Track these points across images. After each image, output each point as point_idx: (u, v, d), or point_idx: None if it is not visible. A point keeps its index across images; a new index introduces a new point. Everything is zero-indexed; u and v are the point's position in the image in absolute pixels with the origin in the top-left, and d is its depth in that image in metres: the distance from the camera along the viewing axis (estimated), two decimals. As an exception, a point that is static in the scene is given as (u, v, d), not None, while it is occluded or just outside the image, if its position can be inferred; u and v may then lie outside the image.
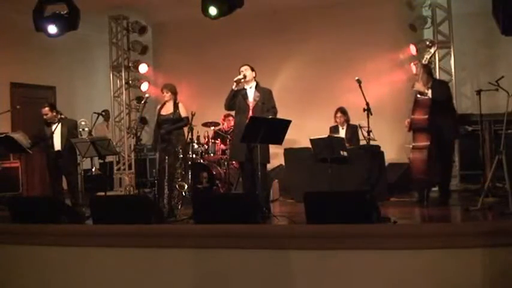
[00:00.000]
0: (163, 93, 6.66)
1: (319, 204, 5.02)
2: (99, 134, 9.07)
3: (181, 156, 6.55)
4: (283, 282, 4.76)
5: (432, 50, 6.98)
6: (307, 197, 5.10)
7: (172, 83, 6.79)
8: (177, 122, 6.55)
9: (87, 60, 10.95)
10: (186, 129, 7.18)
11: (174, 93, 6.65)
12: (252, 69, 6.30)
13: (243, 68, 6.28)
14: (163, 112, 6.60)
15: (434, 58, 8.45)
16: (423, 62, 6.45)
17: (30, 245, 5.45)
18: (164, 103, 6.67)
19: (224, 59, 9.41)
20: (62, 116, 7.17)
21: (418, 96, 6.27)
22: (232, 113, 6.90)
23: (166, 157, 6.43)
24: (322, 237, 4.71)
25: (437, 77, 8.32)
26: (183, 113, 6.59)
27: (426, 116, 6.14)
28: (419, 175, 6.22)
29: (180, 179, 6.52)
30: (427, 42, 8.31)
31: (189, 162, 7.76)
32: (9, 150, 7.90)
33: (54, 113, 7.10)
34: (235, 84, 6.16)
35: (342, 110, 7.99)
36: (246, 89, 6.28)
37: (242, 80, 6.20)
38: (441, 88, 6.41)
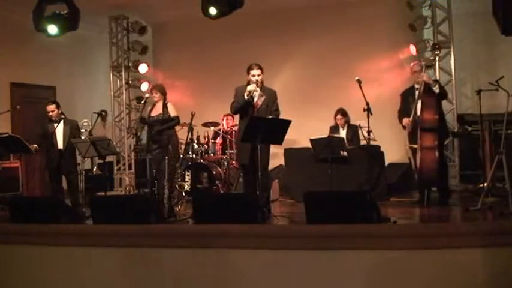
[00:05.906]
0: (152, 94, 6.75)
1: (319, 204, 5.02)
2: (98, 134, 9.05)
3: (178, 156, 6.57)
4: (283, 282, 4.76)
5: (437, 53, 7.03)
6: (307, 197, 5.10)
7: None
8: (167, 122, 6.59)
9: (87, 60, 10.94)
10: (186, 129, 7.20)
11: (164, 93, 6.75)
12: (262, 71, 5.92)
13: (256, 72, 5.86)
14: (154, 113, 6.68)
15: (435, 58, 8.47)
16: (426, 63, 6.46)
17: (30, 245, 5.46)
18: (154, 104, 6.73)
19: (224, 59, 9.42)
20: (62, 116, 7.17)
21: (424, 94, 6.26)
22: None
23: (166, 157, 6.44)
24: (322, 237, 4.72)
25: (437, 77, 8.35)
26: (172, 112, 6.65)
27: (437, 116, 6.15)
28: (431, 175, 6.19)
29: (180, 179, 6.52)
30: (430, 43, 8.32)
31: (189, 162, 7.77)
32: (10, 151, 7.89)
33: (60, 111, 7.12)
34: (247, 94, 5.82)
35: (342, 112, 7.96)
36: None
37: (255, 92, 5.85)
38: (441, 85, 6.53)
